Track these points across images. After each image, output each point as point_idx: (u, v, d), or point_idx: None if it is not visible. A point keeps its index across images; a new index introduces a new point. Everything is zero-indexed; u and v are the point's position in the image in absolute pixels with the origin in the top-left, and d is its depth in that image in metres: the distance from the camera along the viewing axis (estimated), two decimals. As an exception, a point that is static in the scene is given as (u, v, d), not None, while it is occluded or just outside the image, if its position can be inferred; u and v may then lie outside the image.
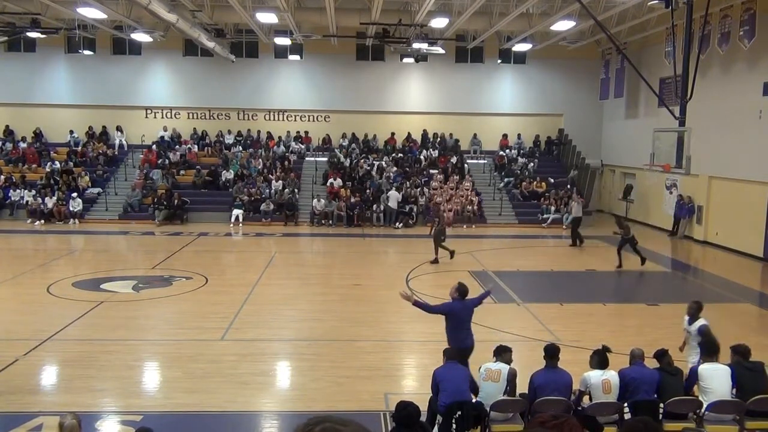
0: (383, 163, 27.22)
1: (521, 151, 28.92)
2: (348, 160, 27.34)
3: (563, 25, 21.08)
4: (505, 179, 27.24)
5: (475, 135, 29.31)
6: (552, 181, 26.74)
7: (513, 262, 18.33)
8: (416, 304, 8.09)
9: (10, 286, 14.32)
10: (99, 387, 8.51)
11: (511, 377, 6.72)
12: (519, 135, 29.45)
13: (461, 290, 8.17)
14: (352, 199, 24.70)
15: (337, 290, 14.33)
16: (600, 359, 6.79)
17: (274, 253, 19.01)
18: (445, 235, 17.39)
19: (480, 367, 6.86)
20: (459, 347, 7.55)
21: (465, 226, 23.95)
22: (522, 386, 6.82)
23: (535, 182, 26.52)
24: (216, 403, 7.93)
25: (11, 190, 24.61)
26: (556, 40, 24.75)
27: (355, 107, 28.72)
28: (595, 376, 6.62)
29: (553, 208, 24.84)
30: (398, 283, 14.49)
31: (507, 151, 28.92)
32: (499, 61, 29.08)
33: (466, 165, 27.67)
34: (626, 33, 23.27)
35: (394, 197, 24.19)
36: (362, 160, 27.23)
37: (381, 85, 28.86)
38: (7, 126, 28.10)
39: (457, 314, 8.02)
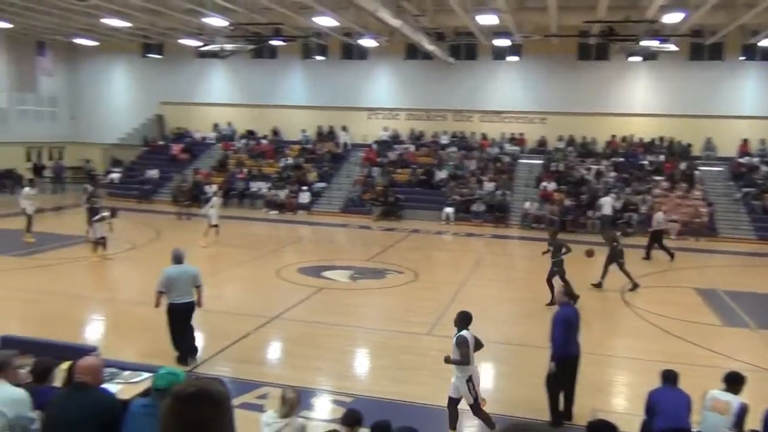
0: (601, 167, 25.90)
1: (765, 159, 25.69)
2: (563, 164, 26.45)
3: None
4: (744, 189, 24.38)
5: (708, 140, 26.66)
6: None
7: (748, 282, 16.29)
8: (557, 357, 7.51)
9: (247, 268, 16.05)
10: (316, 366, 9.19)
11: (742, 412, 5.97)
12: (763, 141, 26.20)
13: (569, 293, 7.56)
14: (567, 204, 23.84)
15: (545, 296, 13.91)
16: None
17: (483, 254, 19.03)
18: (623, 258, 14.36)
19: (705, 394, 6.20)
20: (567, 354, 7.16)
21: (693, 239, 21.88)
22: (753, 422, 6.04)
23: (780, 194, 23.40)
24: (421, 395, 8.14)
25: (251, 182, 27.61)
26: (817, 32, 21.57)
27: (573, 109, 27.65)
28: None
29: (803, 224, 21.73)
30: (609, 296, 13.68)
31: (747, 158, 25.88)
32: (743, 58, 26.10)
33: (696, 172, 25.27)
34: None
35: (608, 203, 22.88)
36: (579, 164, 26.17)
37: (603, 85, 27.46)
38: (253, 124, 31.51)
39: (572, 321, 7.43)
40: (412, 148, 29.04)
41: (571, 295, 7.56)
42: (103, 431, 4.94)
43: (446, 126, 29.67)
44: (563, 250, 12.92)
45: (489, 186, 25.58)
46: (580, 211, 23.61)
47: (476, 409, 7.01)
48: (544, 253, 13.41)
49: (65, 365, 5.95)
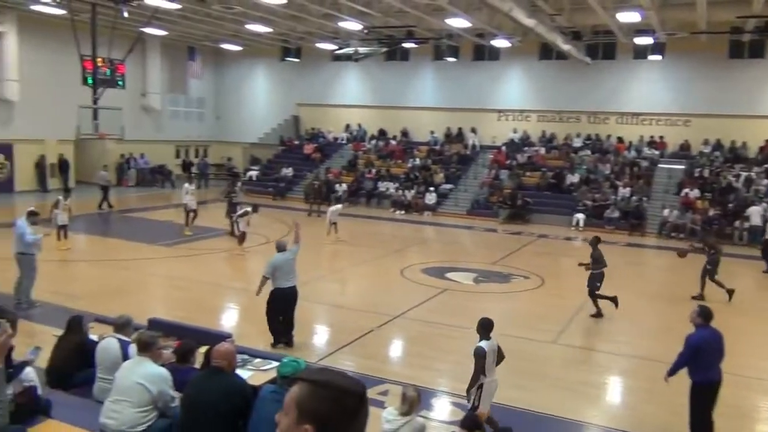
0: (752, 174, 23.88)
1: None
2: (708, 169, 24.67)
3: None
4: None
5: None
6: None
7: None
8: (672, 373, 6.94)
9: (372, 266, 16.40)
10: (436, 367, 9.22)
11: None
12: None
13: (705, 313, 6.81)
14: (711, 212, 22.22)
15: (682, 310, 13.05)
16: None
17: (615, 263, 18.16)
18: (716, 267, 13.39)
19: None
20: (708, 380, 6.62)
21: None
22: None
23: None
24: (542, 404, 7.93)
25: (380, 182, 28.15)
26: None
27: (722, 110, 25.64)
28: None
29: None
30: (754, 311, 12.58)
31: None
32: None
33: None
34: None
35: (756, 213, 21.05)
36: (726, 170, 24.30)
37: (757, 85, 25.28)
38: (383, 125, 32.11)
39: (711, 344, 6.75)
40: (542, 150, 28.30)
41: (706, 316, 6.99)
42: (236, 413, 5.26)
43: (580, 128, 28.63)
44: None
45: (624, 191, 24.38)
46: (725, 220, 21.92)
47: (473, 415, 6.49)
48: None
49: (203, 349, 6.38)
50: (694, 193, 23.41)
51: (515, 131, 29.40)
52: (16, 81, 25.39)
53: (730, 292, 13.27)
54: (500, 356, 6.88)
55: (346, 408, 1.74)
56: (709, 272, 13.38)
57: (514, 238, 21.56)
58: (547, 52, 28.02)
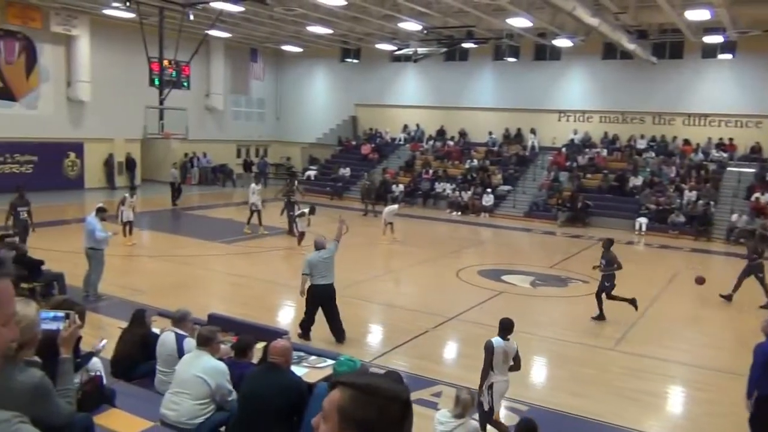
0: (830, 178, 22.73)
1: None
2: (781, 173, 23.59)
3: None
4: None
5: None
6: None
7: None
8: (750, 393, 6.54)
9: (429, 267, 16.36)
10: (491, 370, 9.11)
11: None
12: None
13: None
14: (783, 218, 21.25)
15: (749, 318, 12.53)
16: None
17: (679, 269, 17.59)
18: (763, 272, 13.20)
19: None
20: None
21: None
22: None
23: None
24: (600, 412, 7.75)
25: (437, 183, 28.05)
26: None
27: (798, 111, 24.53)
28: None
29: None
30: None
31: None
32: None
33: None
34: None
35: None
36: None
37: (836, 85, 24.06)
38: (441, 126, 32.01)
39: None
40: (604, 152, 27.65)
41: None
42: (291, 409, 5.34)
43: (644, 129, 27.83)
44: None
45: (690, 195, 23.57)
46: (799, 227, 20.90)
47: (487, 417, 6.56)
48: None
49: (260, 345, 6.50)
50: (766, 197, 22.41)
51: (576, 132, 28.81)
52: (88, 82, 26.47)
53: None
54: (516, 363, 6.82)
55: (392, 415, 1.64)
56: (760, 278, 13.22)
57: (572, 241, 21.13)
58: (610, 51, 27.34)
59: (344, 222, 10.45)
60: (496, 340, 6.68)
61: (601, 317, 11.66)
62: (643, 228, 22.83)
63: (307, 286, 9.68)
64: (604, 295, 11.70)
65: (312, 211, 17.87)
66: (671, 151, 26.63)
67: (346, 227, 10.40)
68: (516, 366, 6.84)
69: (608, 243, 11.92)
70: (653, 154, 26.60)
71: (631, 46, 23.11)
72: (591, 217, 24.22)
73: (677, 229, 22.44)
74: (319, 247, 9.84)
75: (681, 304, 13.51)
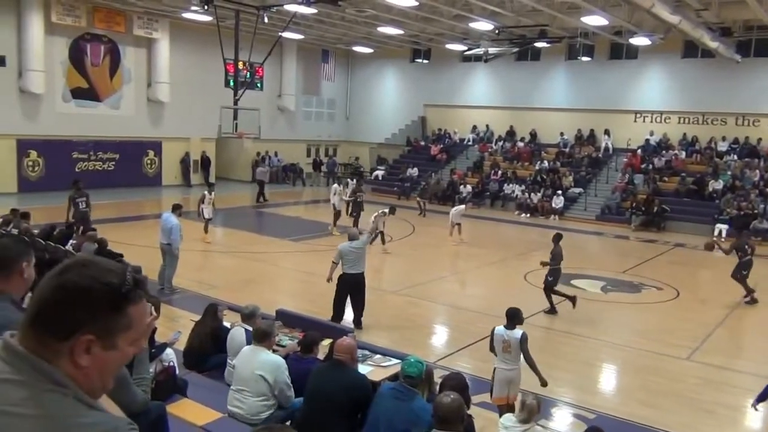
0: None
1: None
2: None
3: None
4: None
5: None
6: None
7: None
8: None
9: (497, 268, 16.18)
10: (558, 375, 8.91)
11: None
12: None
13: None
14: None
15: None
16: None
17: (762, 277, 16.72)
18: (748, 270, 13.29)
19: None
20: None
21: None
22: None
23: None
24: (672, 424, 7.47)
25: (506, 184, 27.69)
26: None
27: None
28: None
29: None
30: None
31: None
32: None
33: None
34: None
35: None
36: None
37: None
38: (511, 126, 31.60)
39: None
40: (682, 154, 26.60)
41: None
42: (354, 406, 5.39)
43: (726, 131, 26.60)
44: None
45: (775, 200, 22.39)
46: None
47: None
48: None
49: (326, 342, 6.60)
50: None
51: (652, 134, 27.84)
52: (167, 83, 27.50)
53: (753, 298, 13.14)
54: (525, 355, 6.98)
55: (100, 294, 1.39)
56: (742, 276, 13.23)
57: (647, 246, 20.43)
58: (691, 49, 26.24)
59: (380, 216, 10.92)
60: (498, 328, 7.06)
61: (553, 311, 11.77)
62: (723, 234, 21.80)
63: (336, 275, 10.17)
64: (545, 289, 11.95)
65: (392, 211, 17.74)
66: (756, 153, 25.34)
67: (383, 222, 11.10)
68: (527, 359, 7.02)
69: (557, 238, 12.25)
70: (735, 157, 25.40)
71: (713, 44, 22.12)
72: (667, 222, 23.34)
73: (760, 235, 21.34)
74: (350, 238, 10.32)
75: (762, 314, 12.85)
